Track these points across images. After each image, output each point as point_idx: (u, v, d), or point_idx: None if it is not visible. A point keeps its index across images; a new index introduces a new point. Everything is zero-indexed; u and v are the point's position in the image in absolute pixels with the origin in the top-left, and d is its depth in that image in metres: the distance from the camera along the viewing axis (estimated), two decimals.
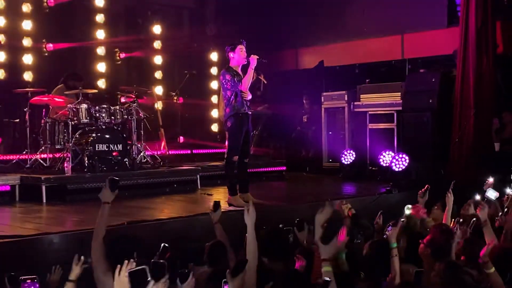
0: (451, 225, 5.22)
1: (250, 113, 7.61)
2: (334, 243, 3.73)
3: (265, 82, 10.16)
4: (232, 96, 7.40)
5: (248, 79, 7.38)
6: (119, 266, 2.97)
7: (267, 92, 12.24)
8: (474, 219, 5.37)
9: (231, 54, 7.50)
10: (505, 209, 6.39)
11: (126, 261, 2.99)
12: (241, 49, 7.44)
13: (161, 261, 3.05)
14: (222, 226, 5.48)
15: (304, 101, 13.10)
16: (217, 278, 3.73)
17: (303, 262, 4.36)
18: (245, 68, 7.55)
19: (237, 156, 7.51)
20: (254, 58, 7.38)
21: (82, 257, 4.05)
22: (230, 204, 7.49)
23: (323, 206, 4.05)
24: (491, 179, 6.78)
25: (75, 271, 4.03)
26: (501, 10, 10.48)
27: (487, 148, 10.10)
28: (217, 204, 5.56)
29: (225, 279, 3.46)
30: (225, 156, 7.88)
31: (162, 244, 4.68)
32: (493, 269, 3.96)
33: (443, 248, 4.34)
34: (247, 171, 7.89)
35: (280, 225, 5.50)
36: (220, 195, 8.75)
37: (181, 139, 12.29)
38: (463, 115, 10.14)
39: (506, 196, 6.85)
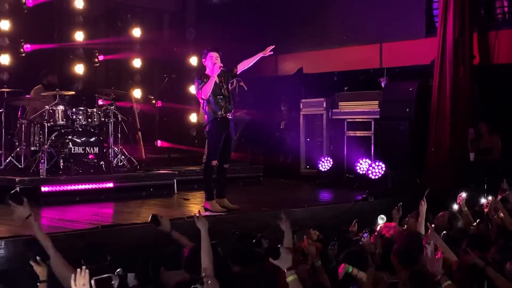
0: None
1: (231, 117, 7.60)
2: (285, 251, 3.75)
3: (246, 88, 10.18)
4: (204, 103, 7.43)
5: (208, 87, 7.32)
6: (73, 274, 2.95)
7: (246, 98, 12.25)
8: (445, 232, 5.42)
9: (204, 61, 7.51)
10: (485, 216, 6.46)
11: (78, 270, 2.98)
12: (212, 57, 7.42)
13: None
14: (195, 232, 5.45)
15: (282, 108, 13.13)
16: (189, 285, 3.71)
17: None
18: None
19: (216, 161, 7.50)
20: (217, 67, 7.37)
21: (38, 257, 3.93)
22: (206, 209, 7.47)
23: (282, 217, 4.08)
24: (464, 194, 6.84)
25: (42, 272, 3.93)
26: (478, 21, 10.63)
27: (462, 158, 10.22)
28: (155, 218, 5.41)
29: (194, 285, 3.45)
30: (204, 160, 7.86)
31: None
32: (448, 282, 3.92)
33: (410, 255, 4.34)
34: (226, 176, 7.89)
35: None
36: (196, 199, 8.74)
37: (159, 142, 12.25)
38: (440, 124, 10.25)
39: (486, 201, 6.92)
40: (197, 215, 4.64)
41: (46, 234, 4.35)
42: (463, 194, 6.81)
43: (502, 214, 6.16)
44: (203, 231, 4.42)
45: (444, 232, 5.53)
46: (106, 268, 3.98)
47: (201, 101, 7.51)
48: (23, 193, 7.88)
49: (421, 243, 4.47)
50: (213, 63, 7.37)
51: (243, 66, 7.61)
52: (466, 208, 6.72)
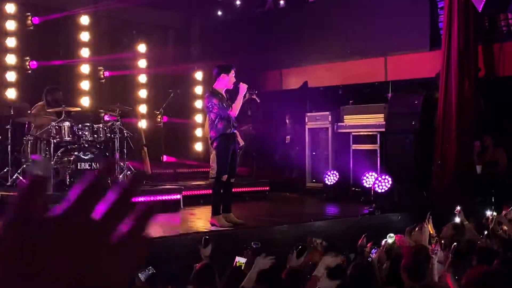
0: (432, 246, 5.23)
1: (236, 132, 7.63)
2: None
3: (258, 101, 10.15)
4: (217, 120, 7.43)
5: (238, 106, 7.45)
6: None
7: (258, 111, 12.26)
8: (455, 243, 5.39)
9: (224, 76, 7.48)
10: (490, 230, 6.43)
11: None
12: (233, 74, 7.49)
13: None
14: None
15: (287, 120, 13.13)
16: None
17: None
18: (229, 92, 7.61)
19: (227, 176, 7.50)
20: (244, 86, 7.43)
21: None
22: (212, 224, 7.46)
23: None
24: (458, 208, 6.81)
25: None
26: (483, 34, 10.61)
27: (469, 171, 10.17)
28: (206, 241, 5.39)
29: None
30: (214, 175, 7.87)
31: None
32: None
33: (418, 269, 4.33)
34: (232, 190, 7.89)
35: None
36: (202, 214, 8.73)
37: (165, 158, 12.25)
38: (445, 137, 10.21)
39: (490, 216, 6.89)
40: (264, 254, 4.62)
41: None
42: (458, 208, 6.79)
43: (506, 228, 6.14)
44: (257, 270, 4.38)
45: (455, 244, 5.51)
46: None
47: (213, 117, 7.48)
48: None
49: (428, 256, 4.47)
50: (233, 80, 7.46)
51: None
52: (467, 222, 6.69)
